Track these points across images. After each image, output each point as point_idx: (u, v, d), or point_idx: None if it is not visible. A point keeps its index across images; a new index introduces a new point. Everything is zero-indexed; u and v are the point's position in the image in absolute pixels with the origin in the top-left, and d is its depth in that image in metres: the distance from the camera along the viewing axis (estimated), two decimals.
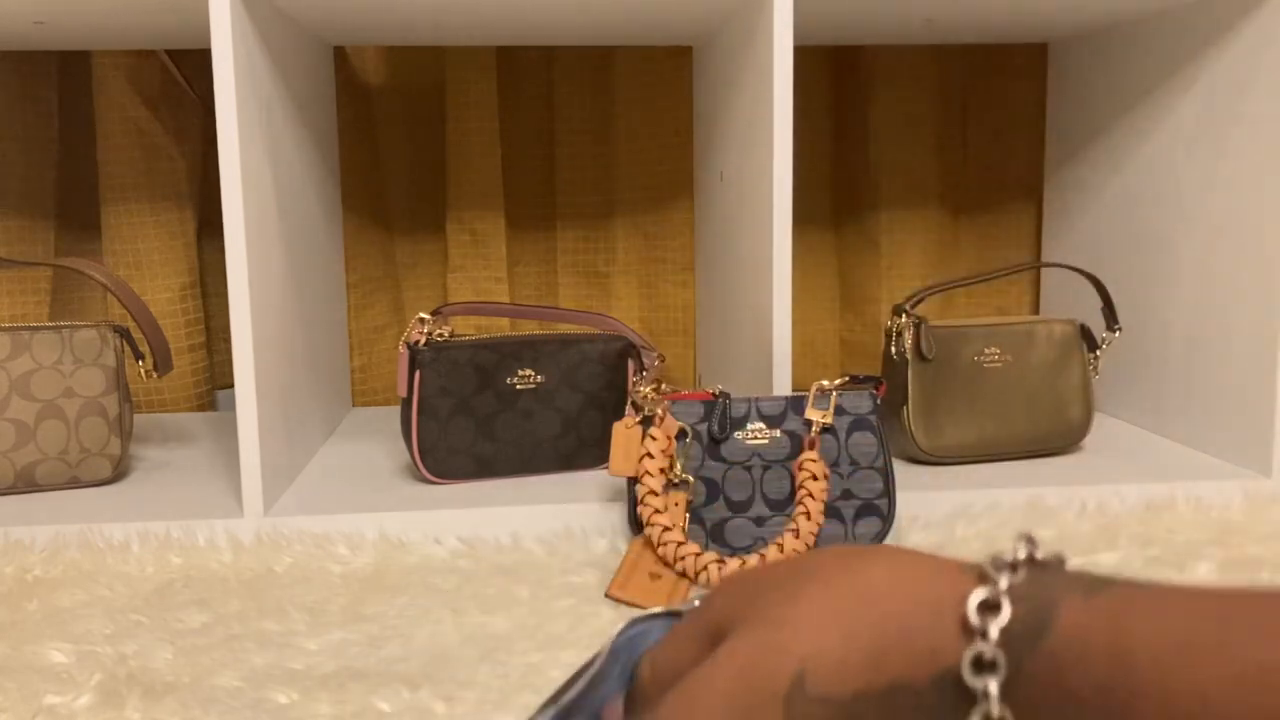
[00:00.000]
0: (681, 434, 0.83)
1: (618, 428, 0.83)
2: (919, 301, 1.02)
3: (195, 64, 1.28)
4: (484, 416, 0.97)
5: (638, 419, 0.83)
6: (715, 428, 0.83)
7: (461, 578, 0.78)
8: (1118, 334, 1.08)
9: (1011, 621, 0.29)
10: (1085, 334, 1.05)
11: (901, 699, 0.30)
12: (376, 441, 1.14)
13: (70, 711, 0.58)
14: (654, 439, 0.81)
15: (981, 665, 0.29)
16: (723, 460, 0.82)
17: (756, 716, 0.32)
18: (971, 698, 0.29)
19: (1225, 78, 1.02)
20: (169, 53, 1.26)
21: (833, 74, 1.39)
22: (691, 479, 0.82)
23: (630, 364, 1.01)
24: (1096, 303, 1.10)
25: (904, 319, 1.01)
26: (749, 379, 1.01)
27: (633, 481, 0.82)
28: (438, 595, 0.75)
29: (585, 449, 1.00)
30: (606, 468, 0.95)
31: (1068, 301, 1.31)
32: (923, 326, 0.99)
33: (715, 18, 1.07)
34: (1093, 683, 0.28)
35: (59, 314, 1.32)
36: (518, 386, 0.98)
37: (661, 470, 0.80)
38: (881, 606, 0.32)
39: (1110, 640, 0.28)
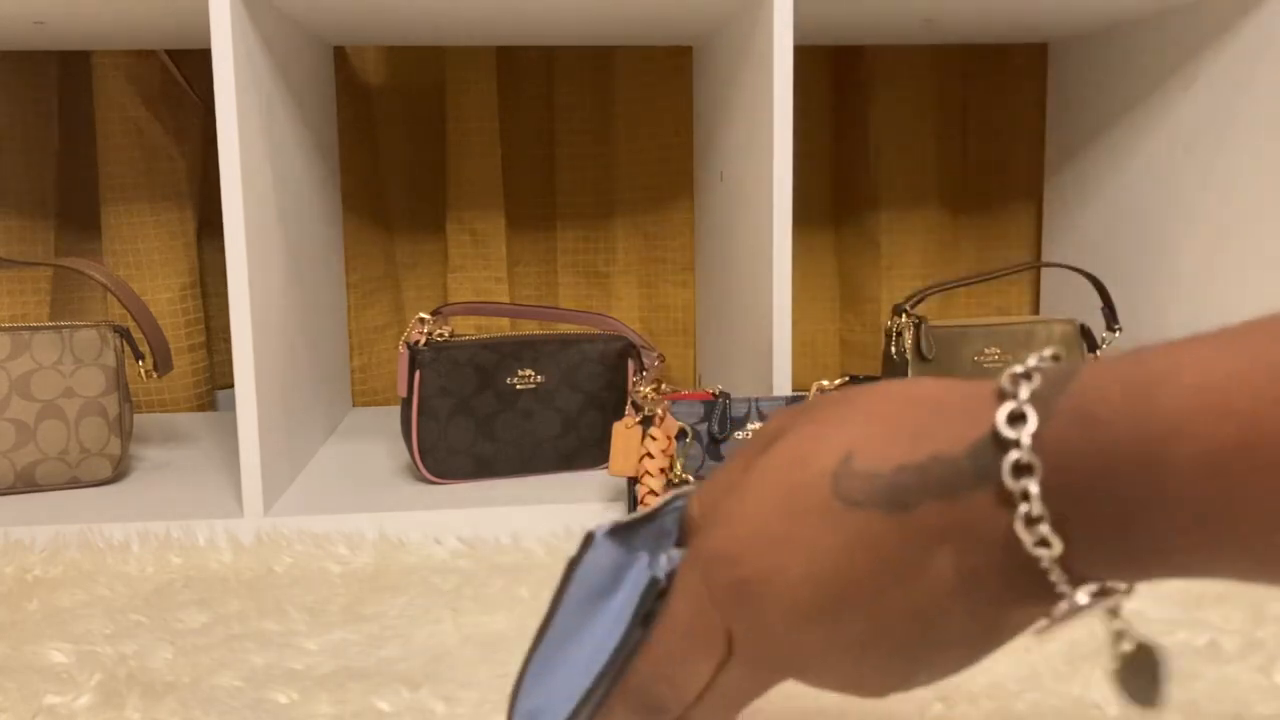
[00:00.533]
0: (681, 434, 0.83)
1: (618, 428, 0.83)
2: (919, 301, 1.02)
3: (195, 64, 1.28)
4: (484, 416, 0.97)
5: (638, 419, 0.83)
6: (715, 428, 0.83)
7: (461, 578, 0.78)
8: (1118, 334, 1.08)
9: (1039, 386, 0.32)
10: (1085, 334, 1.05)
11: (940, 469, 0.32)
12: (376, 441, 1.14)
13: (70, 711, 0.58)
14: (654, 439, 0.81)
15: (1019, 470, 0.30)
16: (723, 460, 0.82)
17: (805, 494, 0.34)
18: (1005, 447, 0.31)
19: (1225, 78, 1.02)
20: (169, 53, 1.26)
21: (833, 74, 1.39)
22: (692, 479, 0.82)
23: (630, 364, 1.01)
24: (1096, 303, 1.10)
25: (904, 319, 1.01)
26: (749, 379, 1.01)
27: (633, 481, 0.82)
28: (438, 595, 0.75)
29: (585, 449, 1.00)
30: (606, 468, 0.95)
31: (1068, 301, 1.31)
32: (923, 326, 0.99)
33: (715, 18, 1.07)
34: (1118, 410, 0.30)
35: (59, 314, 1.32)
36: (518, 386, 0.98)
37: (661, 470, 0.80)
38: (923, 402, 0.34)
39: (1131, 370, 0.31)
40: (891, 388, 0.36)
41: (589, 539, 0.39)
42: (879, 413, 0.35)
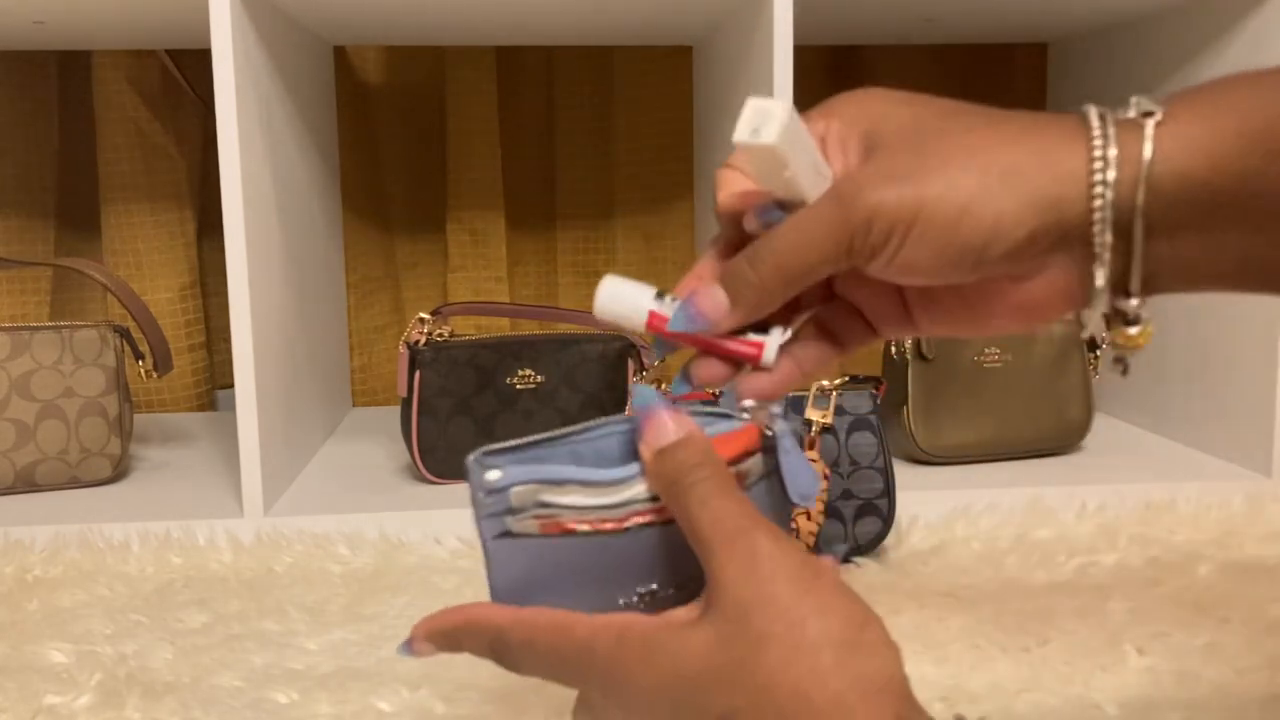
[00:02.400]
0: None
1: None
2: None
3: (195, 64, 1.28)
4: (484, 416, 0.97)
5: None
6: None
7: (461, 578, 0.78)
8: None
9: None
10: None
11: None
12: (376, 441, 1.14)
13: (70, 711, 0.58)
14: None
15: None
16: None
17: None
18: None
19: None
20: (169, 53, 1.26)
21: (833, 74, 1.39)
22: None
23: (630, 364, 1.01)
24: None
25: None
26: None
27: None
28: (438, 595, 0.75)
29: None
30: None
31: None
32: None
33: (715, 18, 1.07)
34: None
35: (59, 314, 1.32)
36: (518, 386, 0.98)
37: None
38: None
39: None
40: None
41: (467, 466, 0.40)
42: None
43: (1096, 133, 0.35)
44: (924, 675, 0.61)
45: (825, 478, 0.80)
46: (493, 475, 0.39)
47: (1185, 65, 1.08)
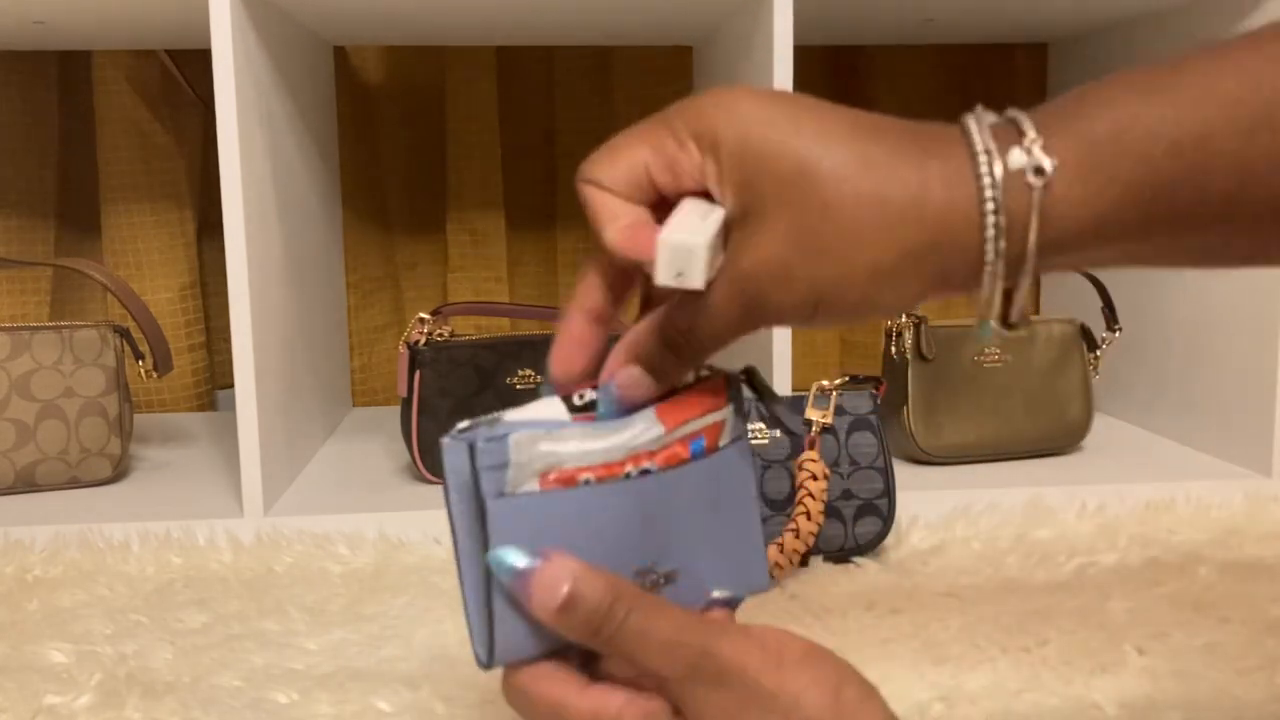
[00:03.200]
0: None
1: None
2: None
3: (195, 64, 1.28)
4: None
5: None
6: None
7: None
8: (1118, 334, 1.08)
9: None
10: (1085, 334, 1.05)
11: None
12: (376, 441, 1.14)
13: (70, 711, 0.58)
14: None
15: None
16: None
17: None
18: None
19: None
20: (169, 53, 1.26)
21: (833, 74, 1.39)
22: None
23: None
24: (1096, 303, 1.10)
25: (904, 319, 1.01)
26: None
27: None
28: (438, 595, 0.75)
29: None
30: None
31: (1068, 301, 1.31)
32: (923, 326, 0.99)
33: (715, 18, 1.07)
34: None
35: (59, 314, 1.32)
36: (517, 387, 0.98)
37: None
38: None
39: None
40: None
41: (441, 448, 0.40)
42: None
43: (988, 194, 0.34)
44: (924, 675, 0.61)
45: (825, 477, 0.80)
46: (488, 430, 0.38)
47: None
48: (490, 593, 0.38)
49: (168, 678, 0.62)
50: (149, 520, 0.87)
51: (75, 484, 0.98)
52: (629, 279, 0.42)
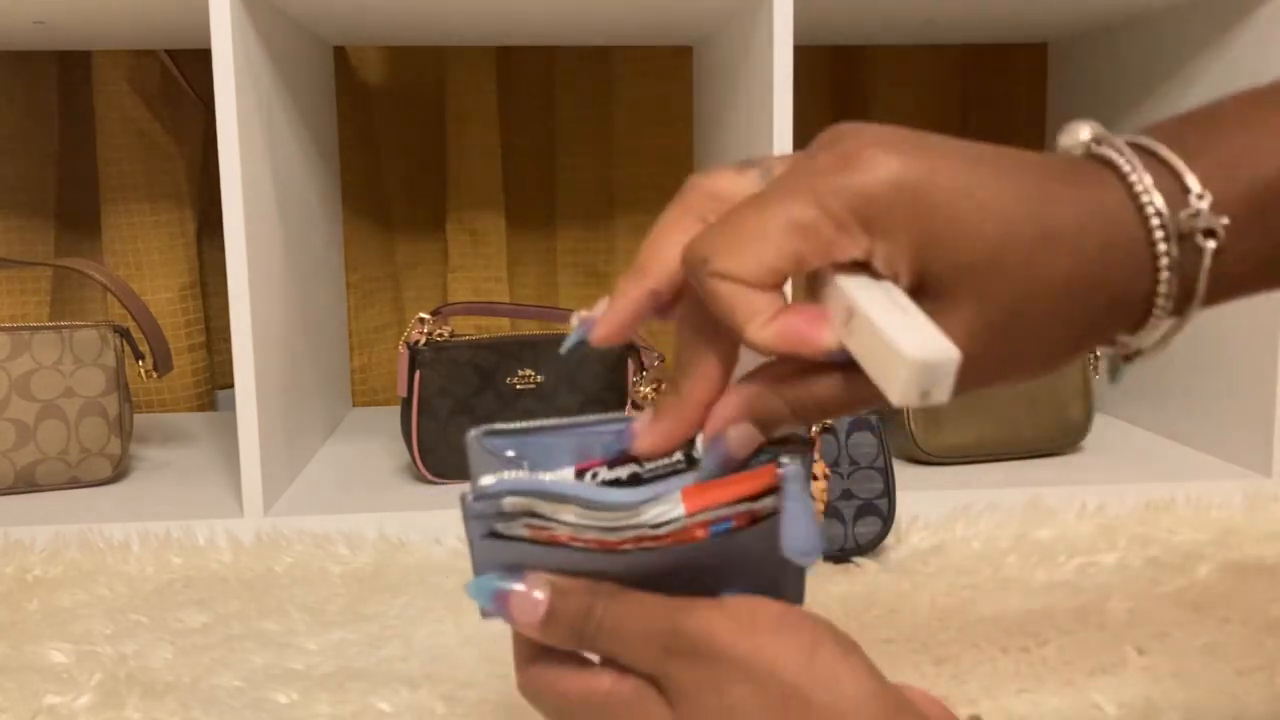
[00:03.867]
0: None
1: None
2: None
3: (195, 64, 1.28)
4: (484, 416, 0.97)
5: None
6: None
7: (461, 578, 0.78)
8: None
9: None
10: None
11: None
12: (376, 441, 1.14)
13: (70, 711, 0.58)
14: None
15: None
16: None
17: None
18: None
19: (1225, 77, 1.02)
20: (169, 53, 1.26)
21: (833, 74, 1.39)
22: None
23: (630, 364, 1.01)
24: None
25: None
26: None
27: None
28: (438, 595, 0.75)
29: None
30: None
31: None
32: None
33: (715, 18, 1.07)
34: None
35: (59, 314, 1.32)
36: (518, 386, 0.98)
37: None
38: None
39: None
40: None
41: (466, 444, 0.40)
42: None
43: (1163, 278, 0.34)
44: (924, 675, 0.61)
45: (825, 477, 0.80)
46: (487, 481, 0.38)
47: (1185, 65, 1.08)
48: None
49: (168, 678, 0.62)
50: (149, 520, 0.87)
51: (75, 484, 0.98)
52: (734, 356, 0.38)
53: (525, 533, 0.39)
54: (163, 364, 1.00)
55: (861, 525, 0.81)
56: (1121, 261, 0.33)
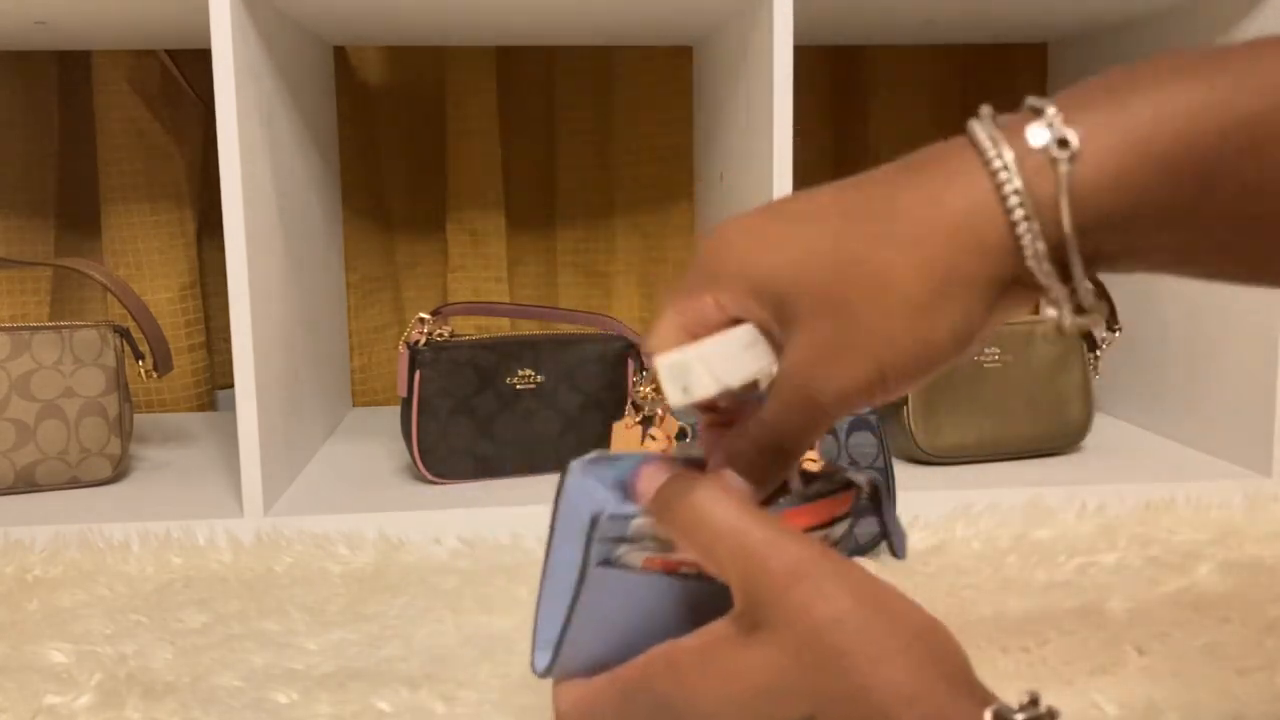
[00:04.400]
0: (681, 434, 0.83)
1: (618, 428, 0.83)
2: None
3: (195, 64, 1.28)
4: (484, 416, 0.97)
5: (638, 419, 0.83)
6: None
7: (461, 578, 0.78)
8: (1118, 334, 1.08)
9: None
10: (1085, 334, 1.05)
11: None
12: (376, 441, 1.14)
13: (70, 711, 0.58)
14: (654, 439, 0.81)
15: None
16: None
17: None
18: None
19: None
20: (169, 53, 1.26)
21: (833, 74, 1.39)
22: None
23: (630, 364, 1.01)
24: None
25: None
26: None
27: None
28: (438, 595, 0.75)
29: (585, 449, 1.00)
30: None
31: None
32: None
33: (715, 18, 1.07)
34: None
35: (59, 314, 1.32)
36: (517, 386, 0.98)
37: None
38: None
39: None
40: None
41: (567, 469, 0.42)
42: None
43: (1002, 176, 0.34)
44: None
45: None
46: (616, 505, 0.40)
47: None
48: (571, 615, 0.40)
49: (168, 678, 0.62)
50: (149, 520, 0.87)
51: (75, 484, 0.98)
52: None
53: (639, 563, 0.40)
54: (163, 364, 1.00)
55: (861, 525, 0.81)
56: (981, 207, 0.34)
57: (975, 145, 0.34)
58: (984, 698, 0.35)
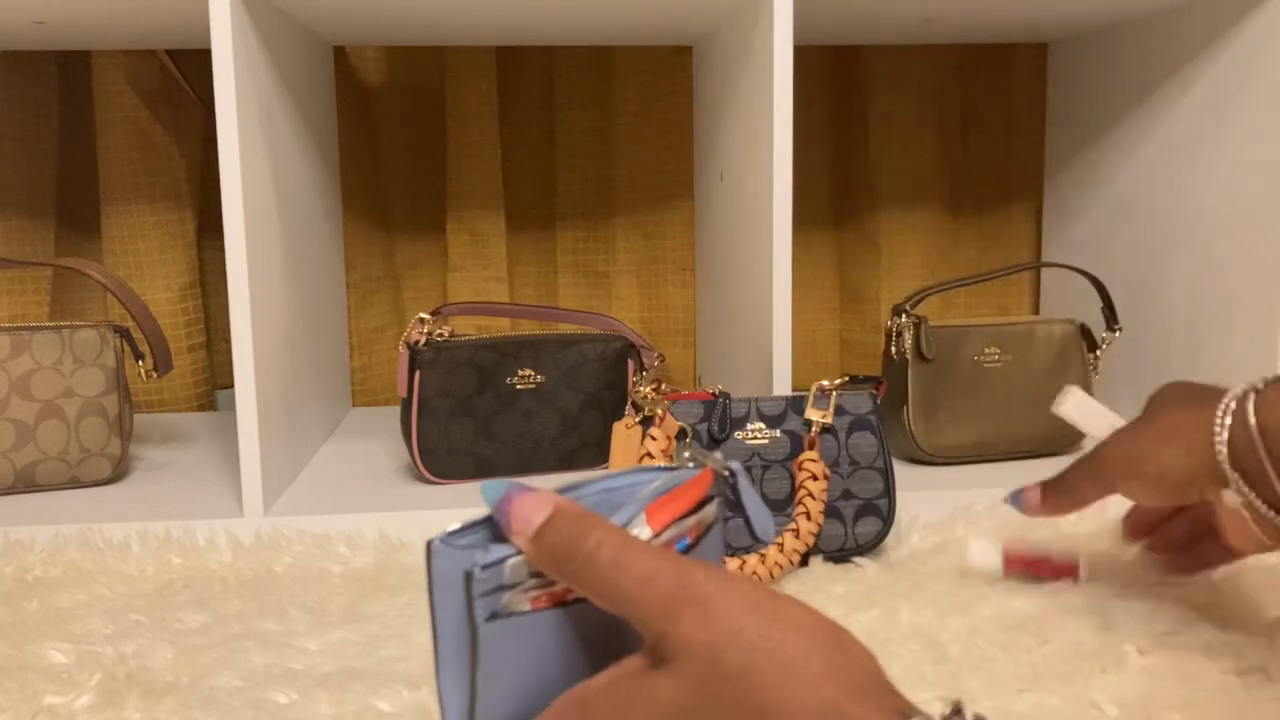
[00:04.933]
0: (681, 434, 0.83)
1: (617, 428, 0.83)
2: (919, 302, 1.02)
3: (195, 64, 1.28)
4: (484, 416, 0.97)
5: (638, 419, 0.83)
6: (715, 428, 0.83)
7: None
8: (1118, 334, 1.08)
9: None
10: (1085, 334, 1.05)
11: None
12: (376, 441, 1.14)
13: (70, 711, 0.58)
14: (654, 439, 0.81)
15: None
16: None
17: None
18: None
19: (1225, 77, 1.02)
20: (169, 53, 1.26)
21: (833, 74, 1.39)
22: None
23: (630, 364, 1.01)
24: (1096, 303, 1.10)
25: (904, 319, 1.01)
26: (749, 379, 1.01)
27: None
28: None
29: (585, 449, 1.00)
30: (606, 468, 0.95)
31: (1068, 301, 1.31)
32: (923, 326, 0.99)
33: (715, 18, 1.07)
34: None
35: (59, 314, 1.32)
36: (518, 386, 0.98)
37: None
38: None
39: None
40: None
41: (430, 550, 0.40)
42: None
43: (1218, 424, 0.59)
44: (924, 675, 0.61)
45: (825, 477, 0.80)
46: (483, 555, 0.39)
47: (1185, 65, 1.08)
48: (475, 682, 0.40)
49: (168, 678, 0.62)
50: (149, 520, 0.87)
51: (75, 484, 0.98)
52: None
53: (528, 606, 0.40)
54: (163, 364, 1.00)
55: (861, 525, 0.81)
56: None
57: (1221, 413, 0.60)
58: (898, 706, 0.34)
